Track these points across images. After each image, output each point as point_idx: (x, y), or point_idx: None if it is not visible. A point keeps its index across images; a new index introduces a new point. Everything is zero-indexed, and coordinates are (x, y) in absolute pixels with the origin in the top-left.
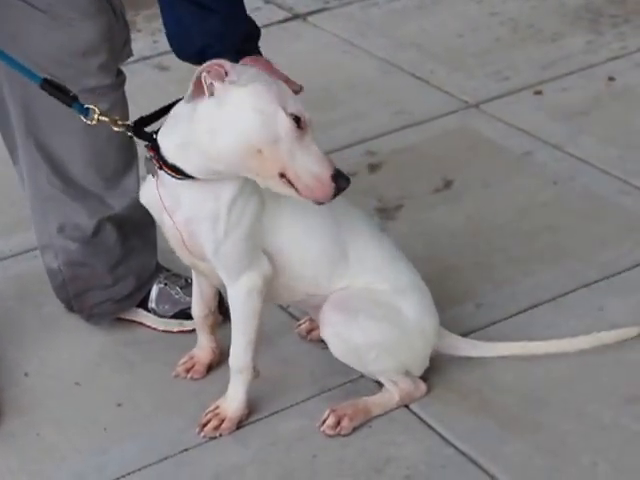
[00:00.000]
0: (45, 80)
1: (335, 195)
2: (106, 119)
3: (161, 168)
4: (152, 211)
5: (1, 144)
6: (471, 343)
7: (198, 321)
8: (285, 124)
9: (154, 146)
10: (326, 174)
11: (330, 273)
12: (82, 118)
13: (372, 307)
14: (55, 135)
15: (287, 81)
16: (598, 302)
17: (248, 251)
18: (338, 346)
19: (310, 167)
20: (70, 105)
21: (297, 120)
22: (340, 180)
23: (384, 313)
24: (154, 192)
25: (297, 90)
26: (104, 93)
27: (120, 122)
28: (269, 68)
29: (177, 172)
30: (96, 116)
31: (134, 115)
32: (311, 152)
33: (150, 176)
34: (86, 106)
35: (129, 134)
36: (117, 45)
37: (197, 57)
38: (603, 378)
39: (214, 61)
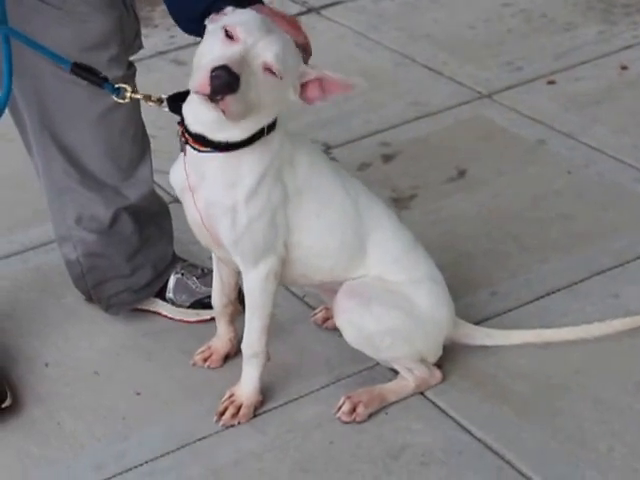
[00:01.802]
0: (75, 64)
1: (213, 89)
2: (139, 96)
3: (187, 142)
4: (177, 190)
5: (19, 138)
6: (485, 332)
7: (218, 310)
8: (217, 34)
9: (183, 121)
10: (209, 65)
11: (347, 264)
12: (114, 98)
13: (385, 295)
14: (69, 127)
15: (293, 30)
16: (613, 289)
17: (267, 241)
18: (352, 334)
19: (206, 60)
20: (102, 86)
21: (229, 33)
22: (218, 71)
23: (397, 301)
24: (182, 169)
25: (302, 42)
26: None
27: (154, 97)
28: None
29: (201, 144)
30: (128, 94)
31: (146, 108)
32: (218, 52)
33: (180, 156)
34: (117, 86)
35: (165, 109)
36: (128, 38)
37: (201, 19)
38: (619, 364)
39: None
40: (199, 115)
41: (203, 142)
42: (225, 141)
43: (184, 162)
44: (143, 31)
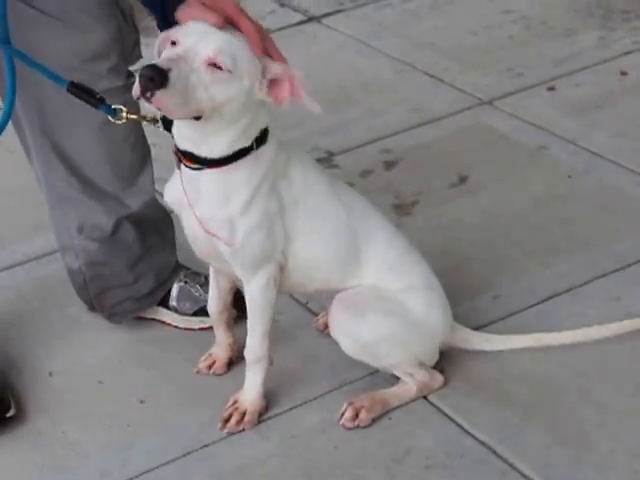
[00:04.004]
0: (72, 83)
1: (141, 88)
2: (135, 117)
3: (180, 160)
4: (174, 207)
5: (21, 148)
6: (484, 337)
7: (214, 317)
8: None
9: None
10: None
11: (342, 275)
12: (110, 118)
13: (378, 303)
14: (70, 136)
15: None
16: (614, 292)
17: (265, 251)
18: (349, 345)
19: None
20: (97, 107)
21: (173, 41)
22: (145, 70)
23: (390, 308)
24: (178, 186)
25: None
26: (115, 95)
27: (149, 117)
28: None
29: (190, 161)
30: (124, 114)
31: None
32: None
33: (175, 173)
34: (113, 107)
35: (160, 128)
36: (127, 48)
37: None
38: (620, 366)
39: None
40: (182, 131)
41: (192, 159)
42: (211, 157)
43: (180, 179)
44: (145, 40)
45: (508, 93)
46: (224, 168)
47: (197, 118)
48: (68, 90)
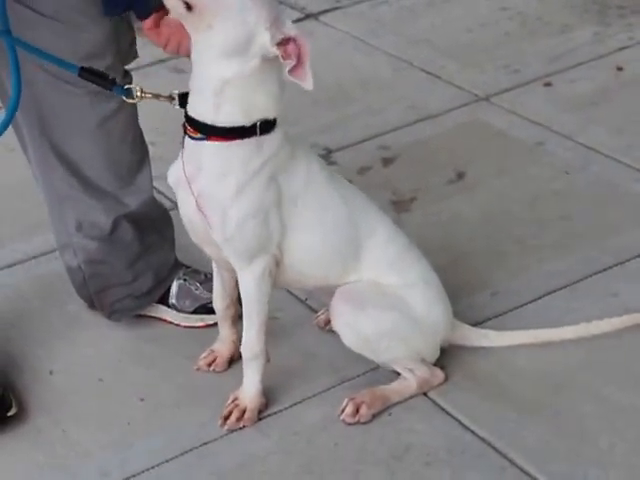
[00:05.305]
0: (82, 68)
1: None
2: (149, 95)
3: (185, 132)
4: (173, 185)
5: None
6: (482, 333)
7: (220, 314)
8: None
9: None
10: None
11: (341, 271)
12: (124, 99)
13: (379, 297)
14: (68, 136)
15: None
16: (613, 287)
17: (259, 241)
18: (349, 337)
19: None
20: (111, 89)
21: None
22: None
23: (391, 302)
24: (179, 165)
25: None
26: (112, 94)
27: (164, 96)
28: None
29: (195, 129)
30: (139, 94)
31: (148, 116)
32: None
33: (180, 153)
34: (126, 87)
35: (175, 106)
36: (123, 47)
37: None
38: (619, 361)
39: None
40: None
41: (195, 126)
42: (212, 124)
43: (182, 155)
44: (145, 39)
45: (505, 89)
46: (225, 143)
47: (189, 8)
48: (80, 75)
